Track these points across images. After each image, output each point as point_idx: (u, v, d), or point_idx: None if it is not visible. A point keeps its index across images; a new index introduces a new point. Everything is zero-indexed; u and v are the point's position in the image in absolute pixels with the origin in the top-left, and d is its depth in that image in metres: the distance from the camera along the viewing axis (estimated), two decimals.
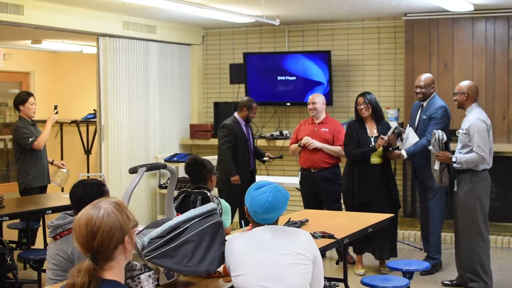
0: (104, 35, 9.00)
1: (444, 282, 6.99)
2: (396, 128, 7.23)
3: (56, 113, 7.95)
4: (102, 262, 2.46)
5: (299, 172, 8.02)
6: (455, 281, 6.88)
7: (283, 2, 8.16)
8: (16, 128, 7.67)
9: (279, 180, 8.89)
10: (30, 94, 7.88)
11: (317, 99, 7.87)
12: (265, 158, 8.49)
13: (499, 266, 7.73)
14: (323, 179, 7.75)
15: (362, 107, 7.29)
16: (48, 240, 4.54)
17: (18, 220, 7.92)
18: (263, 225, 3.64)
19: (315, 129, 7.82)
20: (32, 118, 7.78)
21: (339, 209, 7.84)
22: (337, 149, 7.70)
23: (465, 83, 6.67)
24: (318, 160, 7.73)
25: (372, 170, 7.29)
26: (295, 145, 7.94)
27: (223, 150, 8.03)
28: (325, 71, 9.63)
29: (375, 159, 7.29)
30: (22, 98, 7.74)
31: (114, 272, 2.48)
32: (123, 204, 2.54)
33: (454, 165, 6.51)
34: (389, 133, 7.13)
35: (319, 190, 7.81)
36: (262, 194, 3.59)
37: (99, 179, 9.02)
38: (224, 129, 8.11)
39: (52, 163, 7.99)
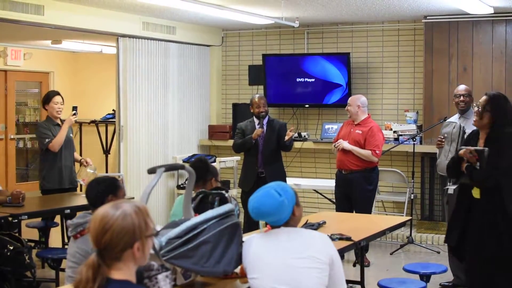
0: (123, 35, 9.04)
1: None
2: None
3: (74, 114, 7.57)
4: (108, 261, 2.48)
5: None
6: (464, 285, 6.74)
7: (303, 4, 8.16)
8: (37, 127, 7.53)
9: (311, 182, 8.92)
10: (55, 93, 7.57)
11: (350, 101, 7.77)
12: (286, 138, 7.76)
13: None
14: (353, 181, 7.60)
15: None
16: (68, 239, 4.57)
17: (39, 219, 7.90)
18: (279, 227, 3.63)
19: (351, 130, 7.70)
20: (60, 118, 7.49)
21: (369, 213, 7.67)
22: (366, 153, 7.53)
23: (467, 87, 6.66)
24: (347, 162, 7.61)
25: (471, 205, 5.06)
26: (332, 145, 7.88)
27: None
28: (344, 73, 9.60)
29: (475, 191, 4.99)
30: (46, 96, 7.52)
31: (123, 273, 2.49)
32: (145, 210, 2.54)
33: None
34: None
35: (349, 192, 7.70)
36: (251, 200, 3.60)
37: (118, 179, 9.06)
38: (236, 129, 8.19)
39: (80, 162, 7.61)
